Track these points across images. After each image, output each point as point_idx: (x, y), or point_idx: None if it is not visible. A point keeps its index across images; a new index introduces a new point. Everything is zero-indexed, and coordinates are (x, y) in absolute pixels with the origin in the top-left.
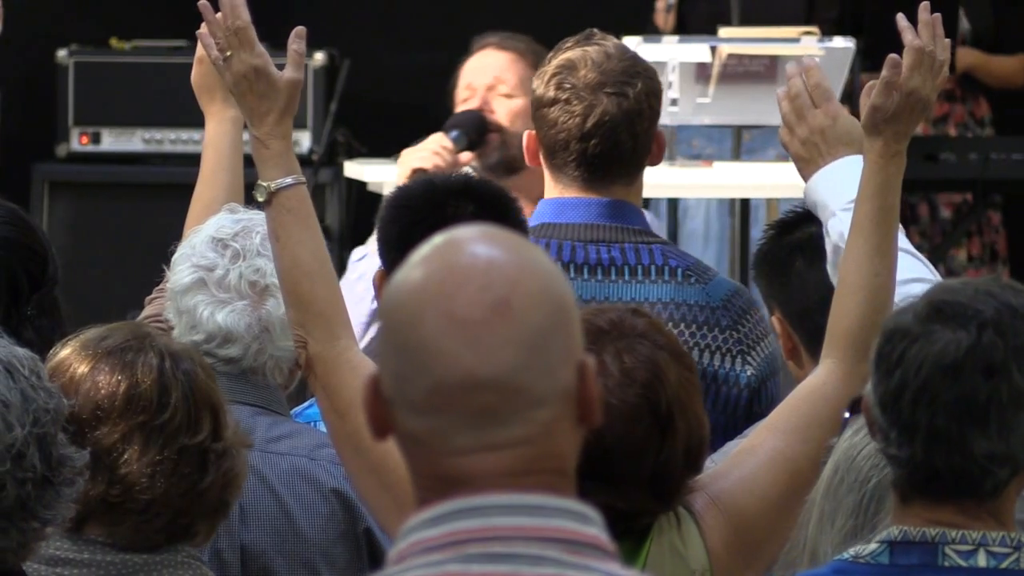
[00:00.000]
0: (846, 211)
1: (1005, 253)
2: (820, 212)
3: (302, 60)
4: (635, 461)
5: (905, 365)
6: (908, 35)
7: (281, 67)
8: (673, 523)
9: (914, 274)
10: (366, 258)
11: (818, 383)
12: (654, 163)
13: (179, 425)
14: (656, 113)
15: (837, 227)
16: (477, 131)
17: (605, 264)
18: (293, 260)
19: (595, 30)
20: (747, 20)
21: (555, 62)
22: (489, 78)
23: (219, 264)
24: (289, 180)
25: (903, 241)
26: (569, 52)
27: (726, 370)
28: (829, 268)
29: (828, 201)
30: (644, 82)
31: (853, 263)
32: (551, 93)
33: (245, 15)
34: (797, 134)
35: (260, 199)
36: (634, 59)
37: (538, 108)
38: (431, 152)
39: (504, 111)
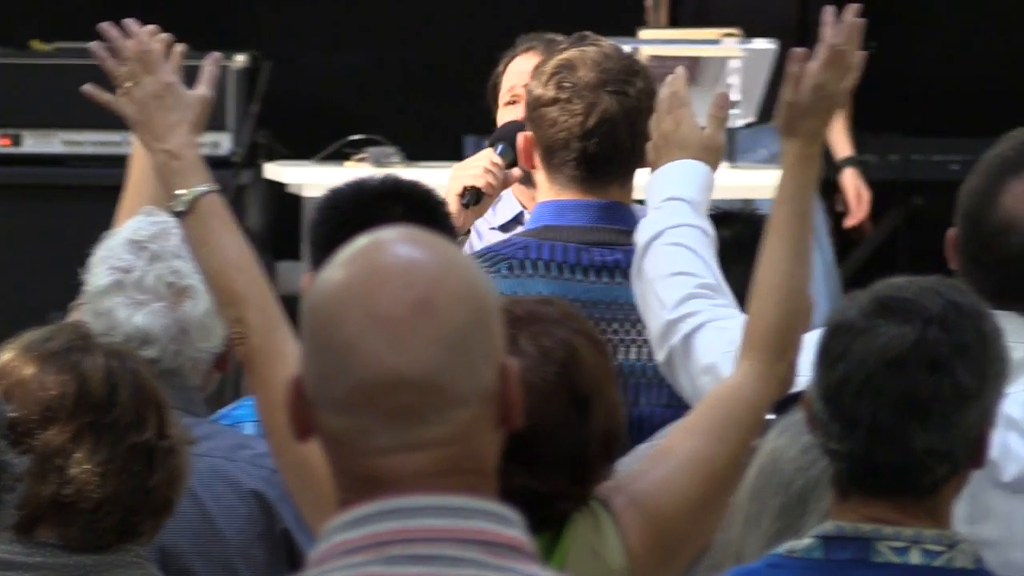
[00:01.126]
0: (657, 209)
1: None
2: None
3: (214, 81)
4: (553, 441)
5: (849, 359)
6: (828, 31)
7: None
8: (591, 523)
9: (684, 268)
10: None
11: (735, 384)
12: (646, 164)
13: (127, 423)
14: (652, 112)
15: (640, 228)
16: None
17: (610, 266)
18: (224, 261)
19: (588, 32)
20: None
21: (552, 62)
22: None
23: (136, 266)
24: (205, 188)
25: (687, 234)
26: (567, 52)
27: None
28: (634, 266)
29: (648, 200)
30: (643, 81)
31: (769, 265)
32: (551, 93)
33: (152, 43)
34: (660, 128)
35: (180, 210)
36: (632, 58)
37: (536, 108)
38: (483, 169)
39: None
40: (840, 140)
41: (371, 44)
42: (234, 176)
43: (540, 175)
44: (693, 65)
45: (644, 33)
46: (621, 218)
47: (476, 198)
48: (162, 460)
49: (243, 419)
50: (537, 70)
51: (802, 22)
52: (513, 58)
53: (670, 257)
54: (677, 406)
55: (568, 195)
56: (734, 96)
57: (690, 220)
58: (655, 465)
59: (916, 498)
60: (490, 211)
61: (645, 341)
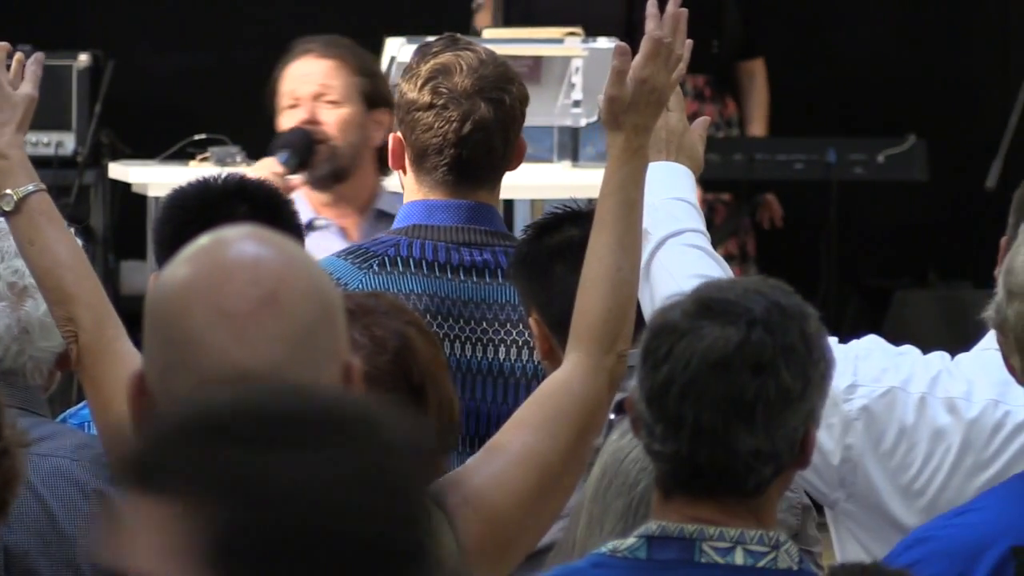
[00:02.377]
0: (667, 205)
1: (754, 253)
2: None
3: (37, 81)
4: None
5: (673, 360)
6: (651, 23)
7: (46, 68)
8: None
9: (703, 270)
10: None
11: (564, 378)
12: (513, 168)
13: None
14: (524, 118)
15: (649, 218)
16: (305, 149)
17: (479, 266)
18: (53, 259)
19: (458, 35)
20: (565, 20)
21: (428, 66)
22: (314, 87)
23: None
24: (32, 187)
25: (703, 240)
26: (441, 57)
27: None
28: (646, 253)
29: (648, 192)
30: (517, 87)
31: (595, 257)
32: (426, 98)
33: None
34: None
35: (8, 209)
36: (506, 65)
37: (409, 111)
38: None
39: (332, 120)
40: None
41: (215, 44)
42: (78, 175)
43: (408, 177)
44: (536, 64)
45: (488, 32)
46: (489, 220)
47: None
48: None
49: (88, 418)
50: (410, 72)
51: (629, 20)
52: (290, 62)
53: (692, 258)
54: None
55: (437, 196)
56: (576, 95)
57: (701, 227)
58: (487, 461)
59: (740, 499)
60: None
61: (515, 341)
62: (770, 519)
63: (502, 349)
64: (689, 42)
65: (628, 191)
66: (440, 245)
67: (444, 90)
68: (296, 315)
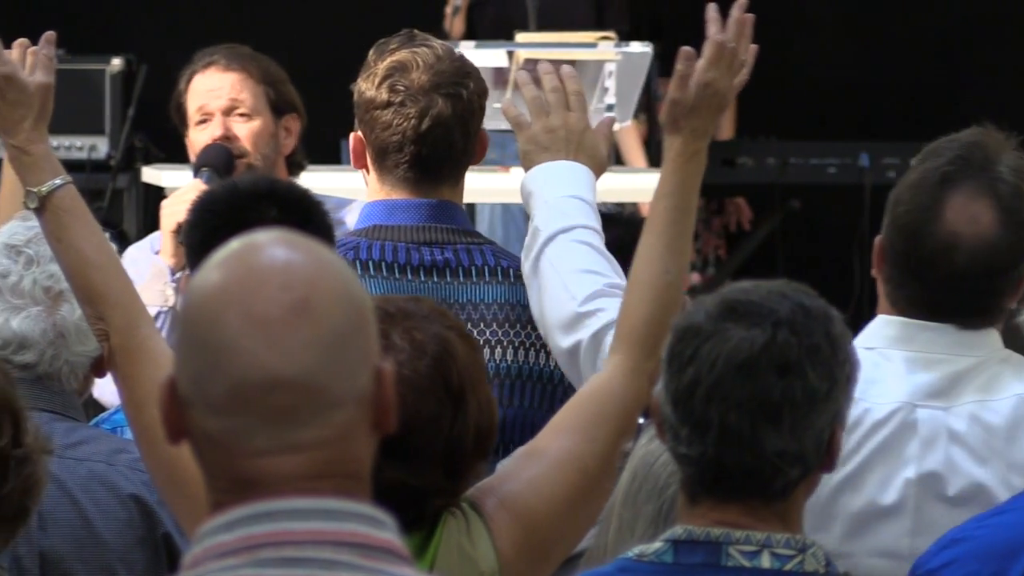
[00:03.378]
0: (558, 203)
1: (726, 257)
2: (532, 200)
3: (51, 64)
4: (428, 434)
5: (698, 362)
6: (713, 27)
7: (79, 72)
8: (462, 524)
9: (592, 267)
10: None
11: (604, 380)
12: (476, 163)
13: None
14: (484, 113)
15: (541, 215)
16: (225, 165)
17: (440, 266)
18: (80, 257)
19: (415, 30)
20: (540, 26)
21: (384, 64)
22: (224, 101)
23: (12, 270)
24: (59, 181)
25: (594, 236)
26: (398, 54)
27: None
28: (523, 259)
29: (543, 191)
30: (475, 82)
31: (644, 260)
32: (384, 96)
33: None
34: (546, 121)
35: (33, 206)
36: (463, 59)
37: (368, 111)
38: (190, 201)
39: (245, 133)
40: None
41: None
42: (111, 180)
43: (371, 176)
44: None
45: (521, 36)
46: (452, 217)
47: None
48: (16, 469)
49: (123, 423)
50: (368, 71)
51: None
52: (193, 75)
53: (580, 253)
54: (517, 406)
55: (398, 194)
56: (609, 99)
57: (593, 224)
58: (526, 465)
59: (767, 501)
60: None
61: (478, 340)
62: (797, 522)
63: None
64: (754, 47)
65: (682, 196)
66: (400, 246)
67: (401, 87)
68: (328, 320)
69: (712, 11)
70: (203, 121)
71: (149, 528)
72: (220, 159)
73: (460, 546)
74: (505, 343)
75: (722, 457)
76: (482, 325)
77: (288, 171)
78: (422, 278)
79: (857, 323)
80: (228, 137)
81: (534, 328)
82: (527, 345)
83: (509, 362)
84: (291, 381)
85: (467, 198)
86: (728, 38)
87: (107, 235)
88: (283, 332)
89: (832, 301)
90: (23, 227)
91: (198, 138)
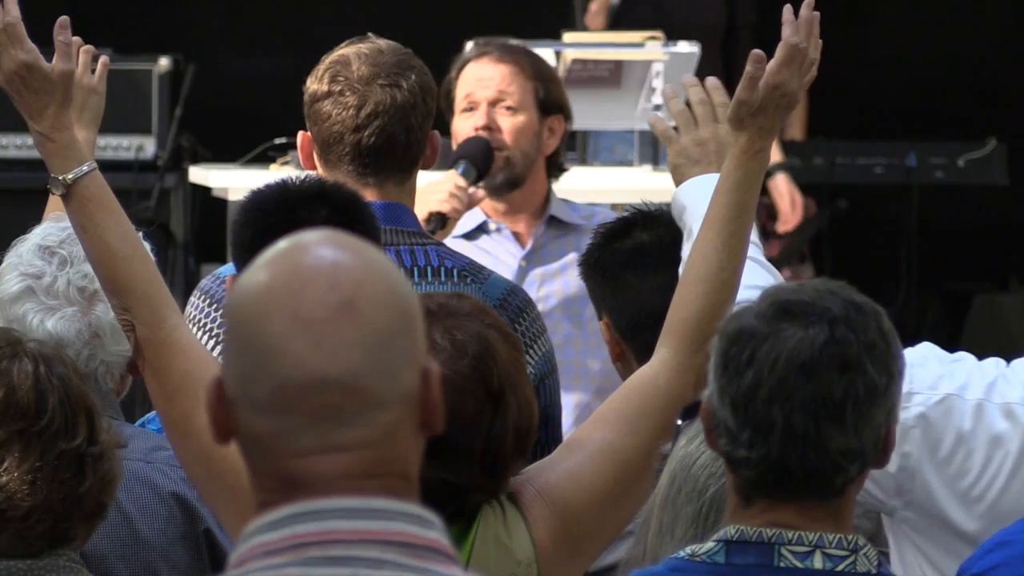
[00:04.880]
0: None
1: (809, 256)
2: (685, 215)
3: (70, 51)
4: (468, 433)
5: (757, 364)
6: (787, 29)
7: (126, 72)
8: (499, 515)
9: (759, 282)
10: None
11: (651, 374)
12: (428, 165)
13: (57, 430)
14: (431, 111)
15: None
16: (484, 159)
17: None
18: (105, 248)
19: (370, 33)
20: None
21: (329, 59)
22: (492, 92)
23: (47, 271)
24: (84, 168)
25: (755, 251)
26: (343, 49)
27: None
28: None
29: (697, 206)
30: (418, 76)
31: (700, 255)
32: (324, 87)
33: (15, 11)
34: (696, 134)
35: (58, 193)
36: (408, 55)
37: (311, 104)
38: (448, 193)
39: (509, 127)
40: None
41: (296, 47)
42: (159, 180)
43: (321, 174)
44: (616, 68)
45: (568, 36)
46: (397, 218)
47: (442, 223)
48: (93, 466)
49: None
50: (314, 68)
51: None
52: (466, 63)
53: (748, 270)
54: None
55: None
56: (656, 99)
57: (756, 239)
58: (565, 456)
59: (821, 501)
60: None
61: None
62: (848, 522)
63: None
64: (820, 41)
65: (743, 193)
66: None
67: (342, 78)
68: (374, 321)
69: (787, 13)
70: (469, 109)
71: (190, 525)
72: (479, 152)
73: (497, 536)
74: None
75: (786, 458)
76: None
77: (548, 172)
78: None
79: (903, 322)
80: (490, 128)
81: None
82: None
83: None
84: (336, 381)
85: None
86: (801, 39)
87: (140, 234)
88: (329, 332)
89: (879, 301)
90: (56, 228)
91: (462, 126)
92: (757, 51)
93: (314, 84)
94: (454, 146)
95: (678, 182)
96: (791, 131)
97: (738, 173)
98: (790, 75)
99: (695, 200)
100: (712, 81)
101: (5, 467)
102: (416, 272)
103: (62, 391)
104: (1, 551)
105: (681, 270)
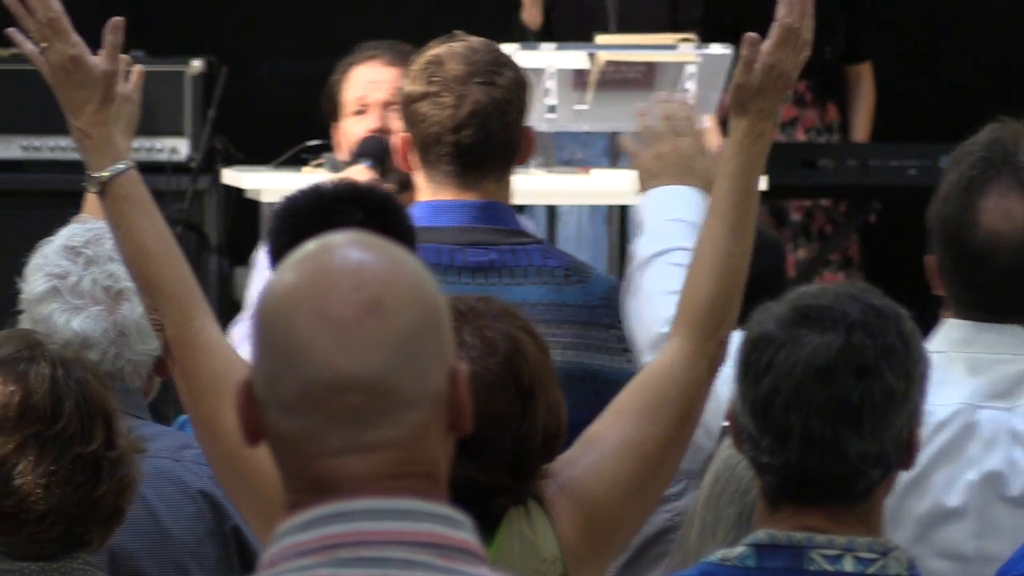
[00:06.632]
0: (662, 226)
1: (859, 259)
2: (639, 229)
3: (117, 51)
4: (496, 432)
5: (775, 370)
6: (782, 9)
7: (159, 74)
8: (523, 513)
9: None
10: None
11: (665, 363)
12: (523, 161)
13: (73, 434)
14: (525, 106)
15: (641, 240)
16: (384, 157)
17: (484, 266)
18: (137, 247)
19: (458, 31)
20: (619, 27)
21: (422, 60)
22: (384, 94)
23: (72, 271)
24: (120, 166)
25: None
26: (435, 49)
27: (611, 368)
28: (632, 275)
29: (649, 217)
30: (512, 72)
31: (707, 242)
32: (420, 88)
33: (57, 5)
34: (656, 148)
35: (93, 191)
36: (500, 51)
37: (408, 105)
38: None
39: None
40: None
41: (328, 50)
42: (192, 181)
43: (419, 175)
44: (649, 70)
45: (600, 38)
46: (498, 218)
47: None
48: (109, 470)
49: None
50: (407, 69)
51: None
52: (352, 66)
53: (672, 275)
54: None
55: (445, 194)
56: (689, 101)
57: (692, 244)
58: (586, 450)
59: (849, 505)
60: None
61: None
62: (877, 524)
63: None
64: (812, 23)
65: (745, 177)
66: (444, 248)
67: (437, 78)
68: (401, 321)
69: None
70: (360, 112)
71: (218, 522)
72: (379, 149)
73: (521, 534)
74: (552, 343)
75: (805, 464)
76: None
77: None
78: (464, 279)
79: (937, 325)
80: (383, 130)
81: (582, 327)
82: (575, 345)
83: (556, 362)
84: (363, 381)
85: (549, 200)
86: (794, 19)
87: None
88: (355, 332)
89: (912, 304)
90: (81, 229)
91: (353, 129)
92: (751, 34)
93: (409, 85)
94: (336, 148)
95: (639, 194)
96: (859, 134)
97: (740, 158)
98: (785, 55)
99: (647, 213)
100: (678, 96)
101: (20, 470)
102: (519, 272)
103: (79, 395)
104: (15, 554)
105: (689, 259)
